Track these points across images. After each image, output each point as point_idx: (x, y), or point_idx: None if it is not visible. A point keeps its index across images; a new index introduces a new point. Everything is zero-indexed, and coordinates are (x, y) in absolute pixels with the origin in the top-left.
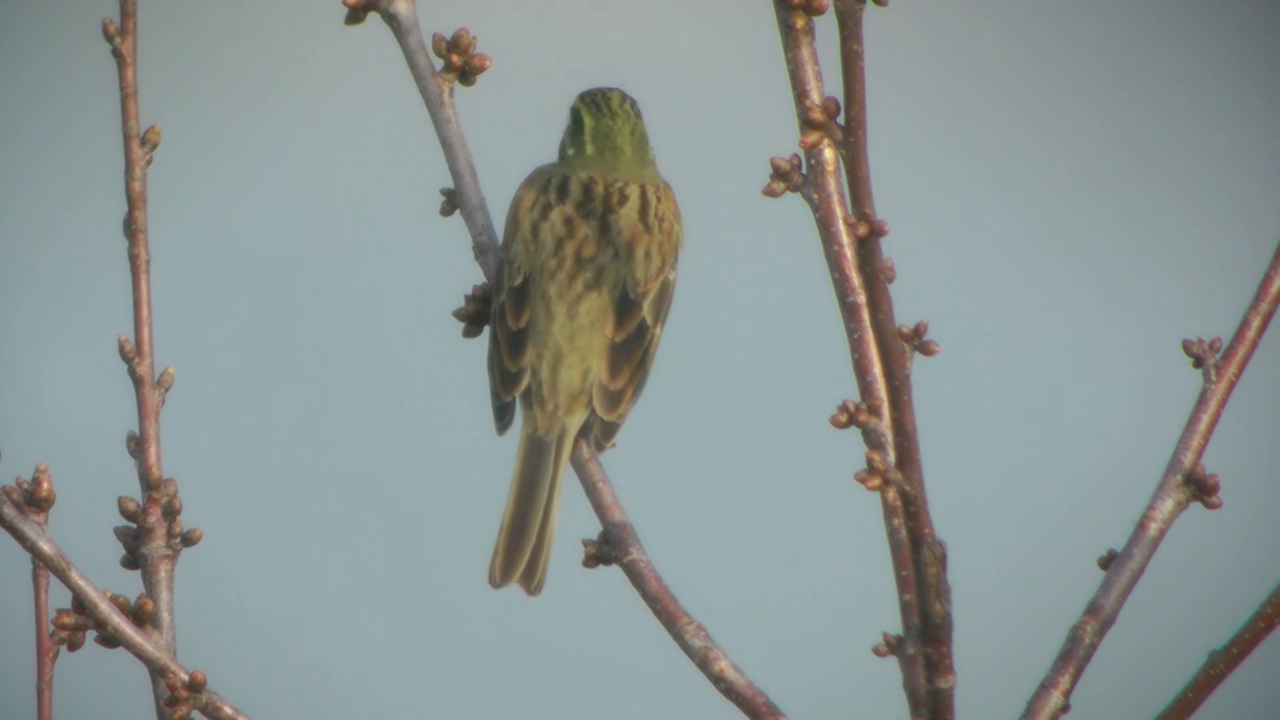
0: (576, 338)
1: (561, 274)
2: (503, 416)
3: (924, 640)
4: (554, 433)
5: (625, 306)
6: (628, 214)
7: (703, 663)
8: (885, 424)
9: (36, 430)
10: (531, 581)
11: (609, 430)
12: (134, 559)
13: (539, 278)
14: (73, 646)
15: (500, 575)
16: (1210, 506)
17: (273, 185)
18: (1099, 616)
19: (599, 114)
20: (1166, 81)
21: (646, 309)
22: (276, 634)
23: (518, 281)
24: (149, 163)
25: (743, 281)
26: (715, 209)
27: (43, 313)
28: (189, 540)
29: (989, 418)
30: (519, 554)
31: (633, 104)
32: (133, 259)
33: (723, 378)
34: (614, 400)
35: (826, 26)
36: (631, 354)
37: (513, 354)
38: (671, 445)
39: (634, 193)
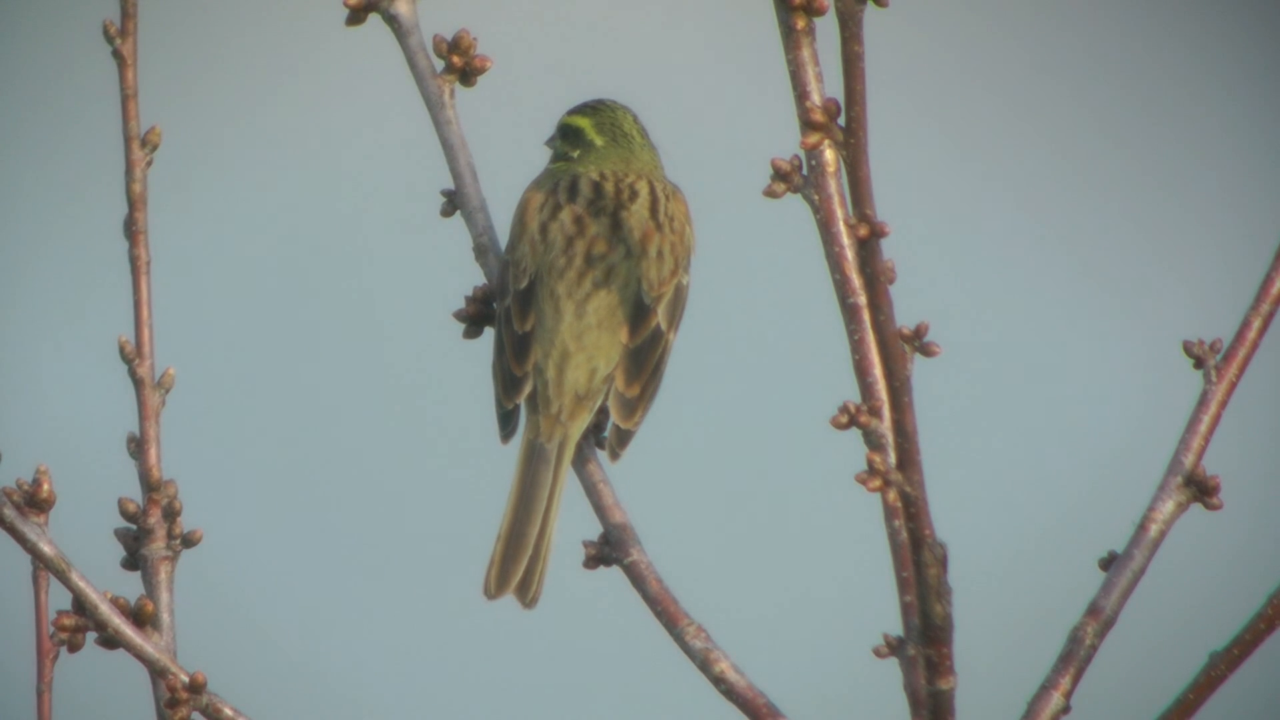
0: (584, 337)
1: (570, 272)
2: (506, 424)
3: (925, 641)
4: (555, 439)
5: (639, 311)
6: (638, 211)
7: (703, 664)
8: (886, 425)
9: (37, 431)
10: (527, 594)
11: (624, 438)
12: (134, 560)
13: (547, 276)
14: (73, 648)
15: (495, 586)
16: (1211, 508)
17: (273, 186)
18: (1100, 618)
19: (596, 111)
20: (1167, 82)
21: (660, 314)
22: (276, 635)
23: (523, 284)
24: (149, 164)
25: (743, 283)
26: (716, 210)
27: (43, 313)
28: (189, 541)
29: (989, 419)
30: (515, 565)
31: (618, 103)
32: (133, 260)
33: (723, 379)
34: (630, 408)
35: (827, 28)
36: (646, 361)
37: (518, 358)
38: (672, 446)
39: (644, 189)
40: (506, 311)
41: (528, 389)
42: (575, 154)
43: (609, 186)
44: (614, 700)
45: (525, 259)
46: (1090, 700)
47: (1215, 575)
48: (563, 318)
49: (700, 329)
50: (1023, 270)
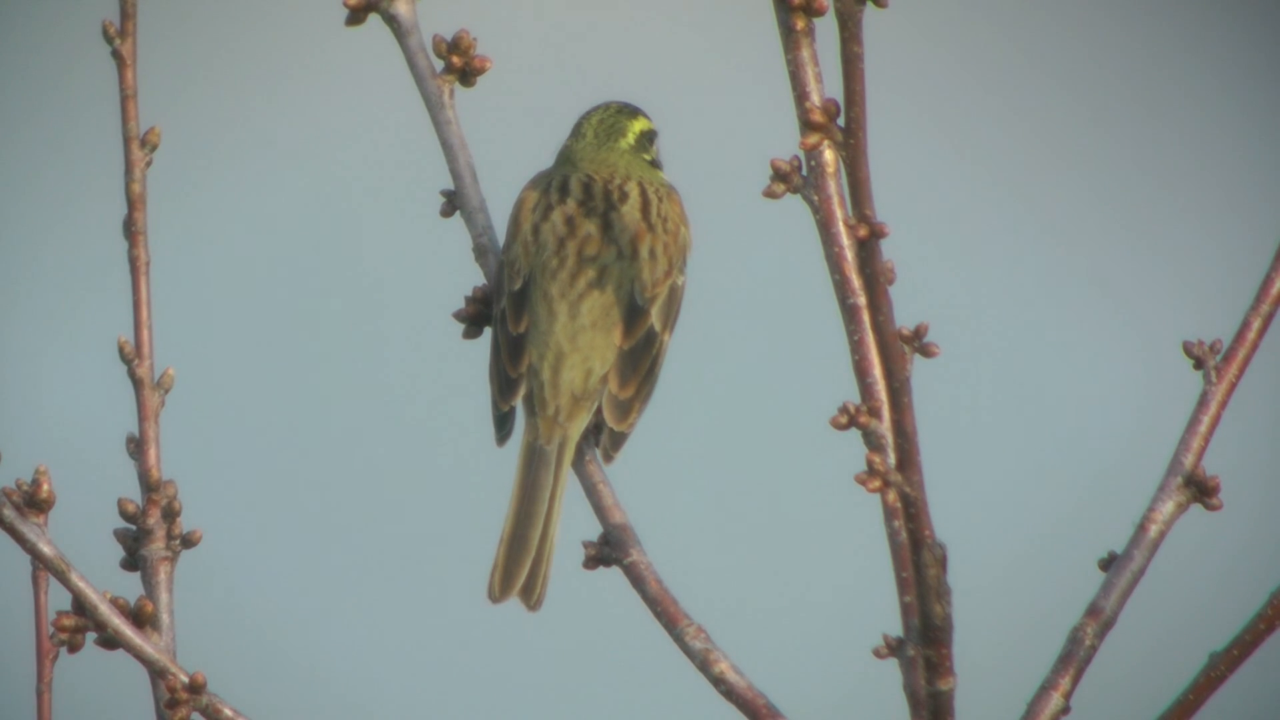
0: (578, 337)
1: (563, 273)
2: (503, 426)
3: (924, 642)
4: (555, 441)
5: (633, 312)
6: (630, 211)
7: (703, 664)
8: (885, 426)
9: (36, 432)
10: (531, 596)
11: (617, 440)
12: (134, 561)
13: (540, 277)
14: (73, 648)
15: (499, 589)
16: (1211, 508)
17: (273, 187)
18: (1099, 618)
19: (594, 110)
20: (1167, 83)
21: (655, 315)
22: (276, 635)
23: (518, 285)
24: (149, 164)
25: (743, 283)
26: (715, 210)
27: (43, 313)
28: (189, 542)
29: (989, 419)
30: (518, 568)
31: (635, 109)
32: (132, 261)
33: (723, 379)
34: (623, 410)
35: (827, 28)
36: (640, 362)
37: (513, 359)
38: (672, 447)
39: (634, 190)
40: (501, 313)
41: (523, 390)
42: (573, 143)
43: (598, 187)
44: (614, 701)
45: (519, 260)
46: (1090, 701)
47: (1215, 575)
48: (557, 319)
49: (700, 329)
50: (1022, 270)
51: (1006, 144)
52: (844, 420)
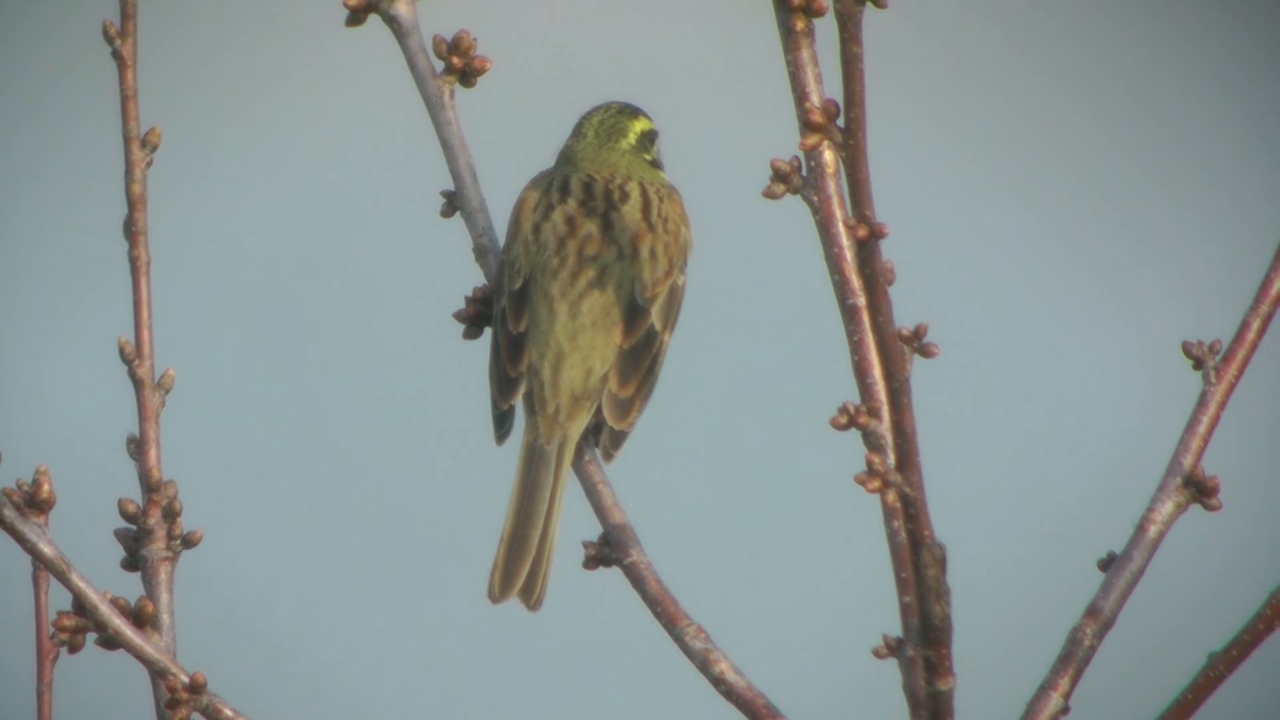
0: (579, 337)
1: (564, 272)
2: (502, 425)
3: (924, 642)
4: (555, 440)
5: (633, 311)
6: (630, 211)
7: (703, 664)
8: (885, 426)
9: (37, 432)
10: (531, 596)
11: (617, 439)
12: (134, 561)
13: (540, 276)
14: (73, 648)
15: (499, 589)
16: (1210, 508)
17: (273, 187)
18: (1099, 618)
19: (594, 111)
20: (1167, 83)
21: (655, 314)
22: (276, 636)
23: (518, 284)
24: (149, 165)
25: (743, 284)
26: (715, 211)
27: (43, 313)
28: (189, 542)
29: (989, 420)
30: (518, 568)
31: (636, 110)
32: (133, 261)
33: (723, 379)
34: (623, 409)
35: (826, 29)
36: (640, 361)
37: (513, 358)
38: (672, 447)
39: (635, 190)
40: (501, 312)
41: (523, 390)
42: (573, 142)
43: (599, 187)
44: (614, 700)
45: (519, 259)
46: (1089, 701)
47: (1214, 576)
48: (557, 318)
49: (700, 329)
50: (1022, 271)
51: (1006, 144)
52: (844, 420)
